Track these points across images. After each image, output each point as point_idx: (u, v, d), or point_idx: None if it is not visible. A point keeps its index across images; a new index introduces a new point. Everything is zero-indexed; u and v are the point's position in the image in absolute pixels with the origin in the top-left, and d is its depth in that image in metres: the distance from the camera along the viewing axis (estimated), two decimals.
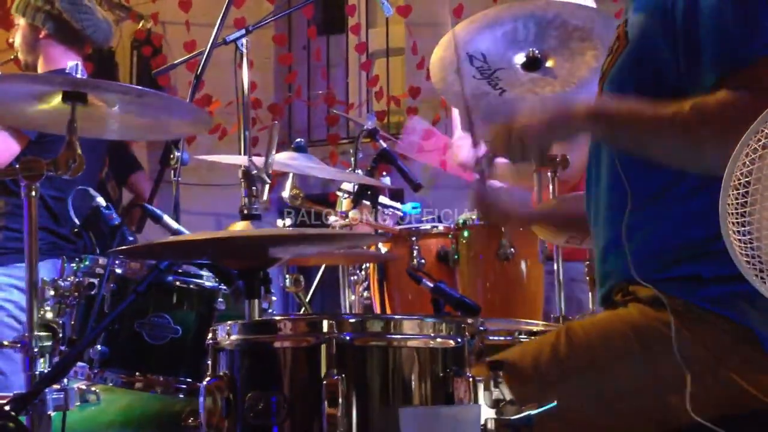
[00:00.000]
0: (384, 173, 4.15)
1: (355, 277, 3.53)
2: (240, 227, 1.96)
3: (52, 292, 2.38)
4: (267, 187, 2.02)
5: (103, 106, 2.28)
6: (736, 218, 1.32)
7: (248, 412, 1.58)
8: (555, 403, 1.64)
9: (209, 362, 1.66)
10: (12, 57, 3.80)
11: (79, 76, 3.35)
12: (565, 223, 2.46)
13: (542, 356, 1.92)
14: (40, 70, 3.65)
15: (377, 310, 3.40)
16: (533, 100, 1.96)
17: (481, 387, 1.61)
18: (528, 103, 2.00)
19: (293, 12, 5.56)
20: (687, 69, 1.85)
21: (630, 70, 1.95)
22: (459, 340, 1.65)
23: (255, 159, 2.02)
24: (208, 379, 1.63)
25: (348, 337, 1.58)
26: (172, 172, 3.29)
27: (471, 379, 1.61)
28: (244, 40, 2.96)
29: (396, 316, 1.68)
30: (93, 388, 2.36)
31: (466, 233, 3.28)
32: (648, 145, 1.85)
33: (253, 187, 1.98)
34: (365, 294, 3.52)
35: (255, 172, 1.91)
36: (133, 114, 2.38)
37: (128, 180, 4.73)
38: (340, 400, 1.53)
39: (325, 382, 1.54)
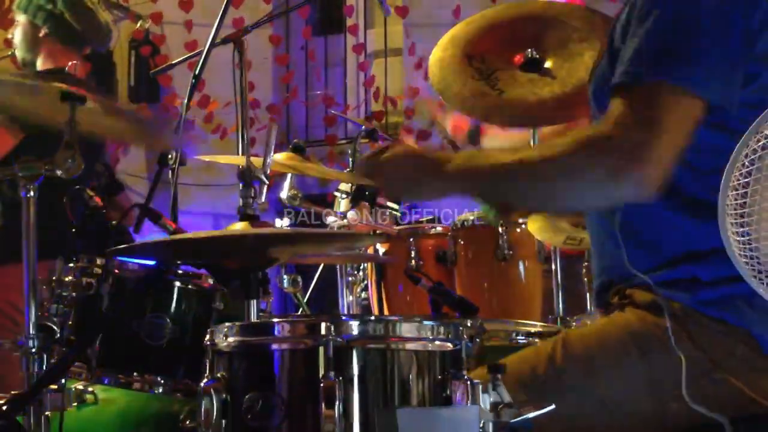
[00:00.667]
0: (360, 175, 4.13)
1: (353, 278, 3.53)
2: (239, 228, 1.96)
3: (50, 292, 2.37)
4: (265, 187, 2.02)
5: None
6: (735, 219, 1.32)
7: (246, 413, 1.58)
8: (553, 405, 1.64)
9: (207, 363, 1.66)
10: (9, 53, 3.79)
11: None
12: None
13: (539, 366, 1.91)
14: (39, 68, 3.66)
15: (375, 310, 3.40)
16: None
17: (479, 389, 1.61)
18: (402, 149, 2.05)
19: (291, 12, 5.56)
20: None
21: (607, 73, 1.96)
22: (457, 342, 1.65)
23: (253, 159, 2.01)
24: (205, 380, 1.63)
25: (346, 339, 1.57)
26: (170, 172, 3.29)
27: (469, 382, 1.61)
28: (246, 39, 2.95)
29: (394, 319, 1.67)
30: (90, 389, 2.35)
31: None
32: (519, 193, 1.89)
33: (252, 187, 1.98)
34: (363, 294, 3.51)
35: (253, 172, 1.91)
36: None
37: (113, 200, 4.79)
38: (337, 402, 1.53)
39: (322, 384, 1.54)
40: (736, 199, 1.31)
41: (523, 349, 2.17)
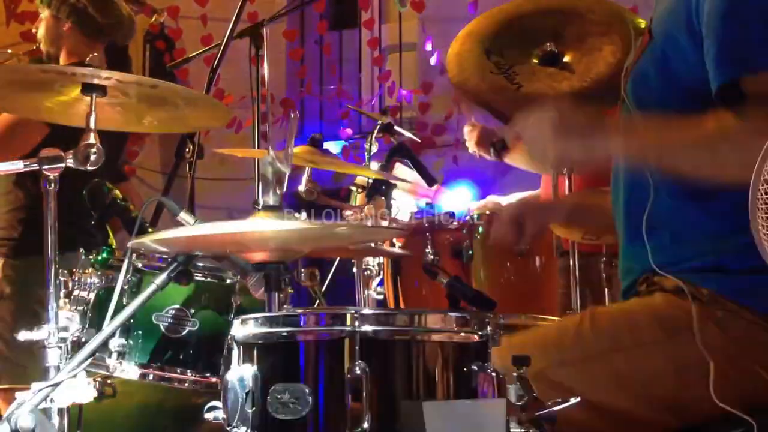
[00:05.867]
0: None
1: (369, 272, 3.52)
2: (260, 219, 1.95)
3: (71, 285, 2.38)
4: (286, 178, 2.01)
5: (122, 98, 2.28)
6: (766, 212, 1.31)
7: (271, 405, 1.58)
8: (578, 398, 1.63)
9: (232, 355, 1.66)
10: (35, 47, 3.79)
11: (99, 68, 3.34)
12: (586, 219, 2.44)
13: (566, 336, 1.93)
14: (62, 62, 3.65)
15: (391, 305, 3.39)
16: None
17: (505, 382, 1.61)
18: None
19: (305, 7, 5.57)
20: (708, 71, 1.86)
21: (654, 66, 1.95)
22: (483, 334, 1.65)
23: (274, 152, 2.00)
24: (230, 372, 1.63)
25: (372, 331, 1.57)
26: (187, 165, 3.30)
27: (495, 374, 1.61)
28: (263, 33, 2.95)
29: (420, 310, 1.66)
30: (110, 381, 2.35)
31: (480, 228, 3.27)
32: (676, 162, 1.84)
33: (273, 179, 1.97)
34: (379, 289, 3.50)
35: (275, 163, 1.90)
36: (152, 107, 2.37)
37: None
38: (364, 393, 1.52)
39: (348, 375, 1.53)
40: (766, 192, 1.30)
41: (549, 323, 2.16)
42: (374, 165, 3.71)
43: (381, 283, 3.47)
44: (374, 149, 3.86)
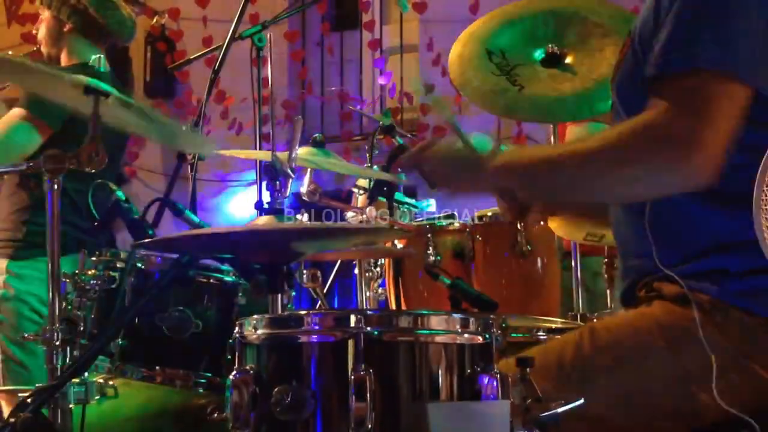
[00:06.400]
0: (399, 169, 4.14)
1: (370, 273, 3.52)
2: (263, 221, 1.96)
3: (73, 286, 2.38)
4: (290, 181, 2.02)
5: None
6: None
7: (275, 406, 1.58)
8: (582, 400, 1.63)
9: (236, 356, 1.66)
10: (35, 48, 3.79)
11: (102, 69, 3.34)
12: (585, 209, 2.44)
13: (566, 356, 1.91)
14: (63, 63, 3.66)
15: (392, 306, 3.39)
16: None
17: (509, 384, 1.61)
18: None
19: (307, 8, 5.56)
20: None
21: (633, 73, 1.95)
22: (487, 335, 1.65)
23: (278, 153, 2.01)
24: (234, 373, 1.63)
25: (375, 332, 1.57)
26: (189, 167, 3.29)
27: (499, 376, 1.61)
28: (265, 35, 2.95)
29: (424, 312, 1.66)
30: (111, 382, 2.35)
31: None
32: (566, 184, 1.89)
33: (277, 182, 1.98)
34: (380, 290, 3.50)
35: (281, 167, 1.91)
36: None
37: None
38: (367, 395, 1.53)
39: (352, 376, 1.54)
40: None
41: (548, 341, 2.16)
42: (375, 167, 3.71)
43: (383, 285, 3.47)
44: (375, 151, 3.86)
